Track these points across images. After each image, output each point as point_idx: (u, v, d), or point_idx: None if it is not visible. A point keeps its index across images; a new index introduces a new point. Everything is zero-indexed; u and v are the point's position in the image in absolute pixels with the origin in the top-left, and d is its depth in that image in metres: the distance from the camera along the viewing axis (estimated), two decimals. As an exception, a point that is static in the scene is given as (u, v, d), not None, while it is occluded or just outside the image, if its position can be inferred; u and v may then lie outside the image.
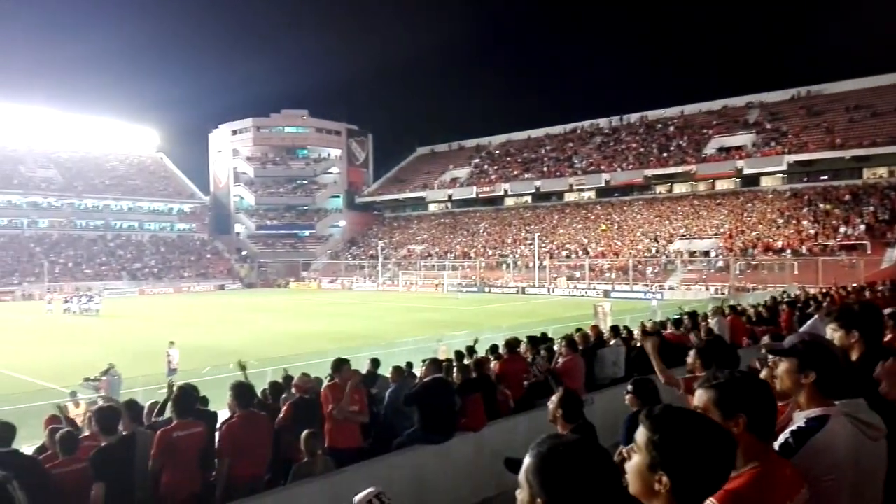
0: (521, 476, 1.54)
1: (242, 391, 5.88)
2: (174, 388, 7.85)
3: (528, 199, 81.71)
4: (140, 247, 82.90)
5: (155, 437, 5.23)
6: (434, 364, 8.08)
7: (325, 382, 7.86)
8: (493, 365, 9.15)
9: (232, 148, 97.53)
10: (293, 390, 7.81)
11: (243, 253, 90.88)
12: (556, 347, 9.90)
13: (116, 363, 17.79)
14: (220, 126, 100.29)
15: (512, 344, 9.46)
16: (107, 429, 4.99)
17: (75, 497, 4.68)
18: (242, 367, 7.94)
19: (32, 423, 8.35)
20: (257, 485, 5.66)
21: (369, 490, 2.01)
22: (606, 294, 51.43)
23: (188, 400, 5.62)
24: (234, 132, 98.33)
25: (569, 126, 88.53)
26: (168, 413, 6.21)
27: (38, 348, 29.19)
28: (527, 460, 1.54)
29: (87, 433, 6.53)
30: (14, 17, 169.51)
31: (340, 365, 6.86)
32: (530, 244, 65.18)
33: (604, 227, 67.76)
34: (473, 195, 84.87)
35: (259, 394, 7.48)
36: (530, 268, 62.75)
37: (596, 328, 12.51)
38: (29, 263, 70.07)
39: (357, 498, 1.97)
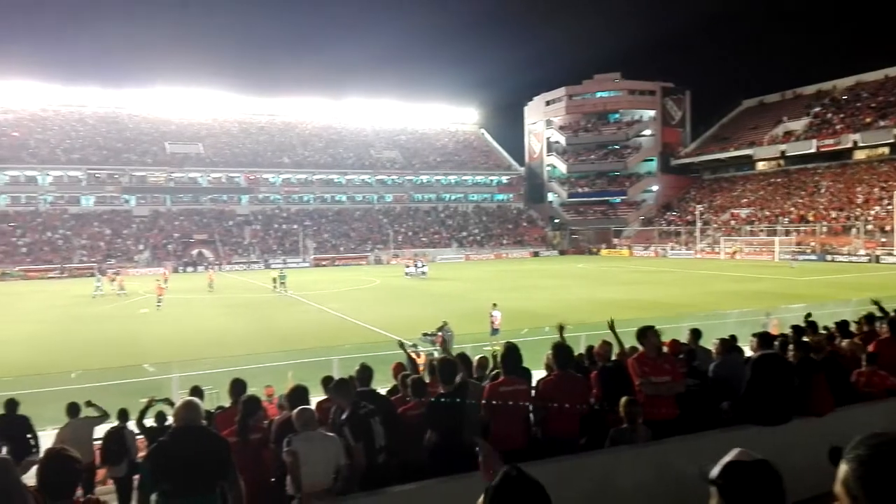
0: (838, 487, 1.28)
1: (562, 351, 6.00)
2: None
3: (886, 150, 68.49)
4: (465, 217, 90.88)
5: (485, 388, 5.62)
6: (764, 339, 7.25)
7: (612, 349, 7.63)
8: (846, 343, 7.89)
9: (545, 119, 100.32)
10: (595, 358, 7.76)
11: (556, 221, 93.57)
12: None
13: (448, 321, 19.68)
14: (534, 98, 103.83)
15: None
16: (446, 378, 5.54)
17: (423, 435, 5.30)
18: (561, 329, 8.11)
19: (382, 370, 9.69)
20: (572, 444, 5.74)
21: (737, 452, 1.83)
22: None
23: (514, 358, 5.90)
24: (548, 103, 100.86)
25: (945, 57, 71.64)
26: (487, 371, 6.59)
27: (385, 306, 33.96)
28: (843, 466, 1.26)
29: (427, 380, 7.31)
30: (368, 28, 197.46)
31: (645, 332, 6.53)
32: (888, 204, 54.86)
33: None
34: (812, 149, 74.25)
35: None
36: (888, 232, 52.91)
37: None
38: (378, 233, 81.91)
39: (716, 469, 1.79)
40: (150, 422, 8.48)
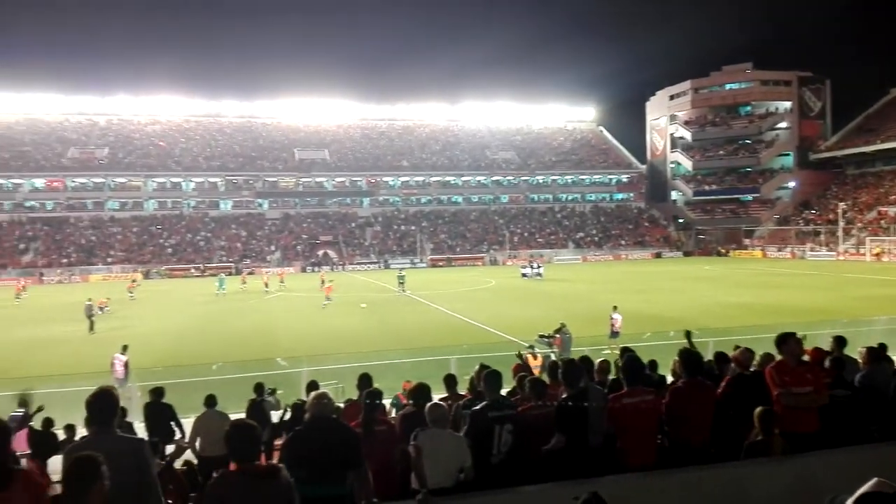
0: None
1: (690, 358, 5.76)
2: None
3: None
4: (583, 217, 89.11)
5: (608, 399, 5.47)
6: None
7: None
8: None
9: (669, 114, 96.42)
10: (732, 364, 7.34)
11: (680, 220, 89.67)
12: None
13: (565, 323, 19.39)
14: (657, 93, 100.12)
15: None
16: (570, 381, 5.47)
17: (541, 436, 5.27)
18: (688, 335, 7.81)
19: (501, 370, 9.71)
20: (702, 454, 5.50)
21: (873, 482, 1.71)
22: None
23: (635, 367, 5.70)
24: (672, 97, 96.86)
25: None
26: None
27: (501, 307, 33.97)
28: None
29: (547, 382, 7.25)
30: (484, 32, 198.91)
31: (786, 339, 6.09)
32: None
33: None
34: (976, 139, 66.50)
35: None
36: None
37: None
38: (494, 234, 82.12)
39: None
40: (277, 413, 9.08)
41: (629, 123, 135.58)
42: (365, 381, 6.88)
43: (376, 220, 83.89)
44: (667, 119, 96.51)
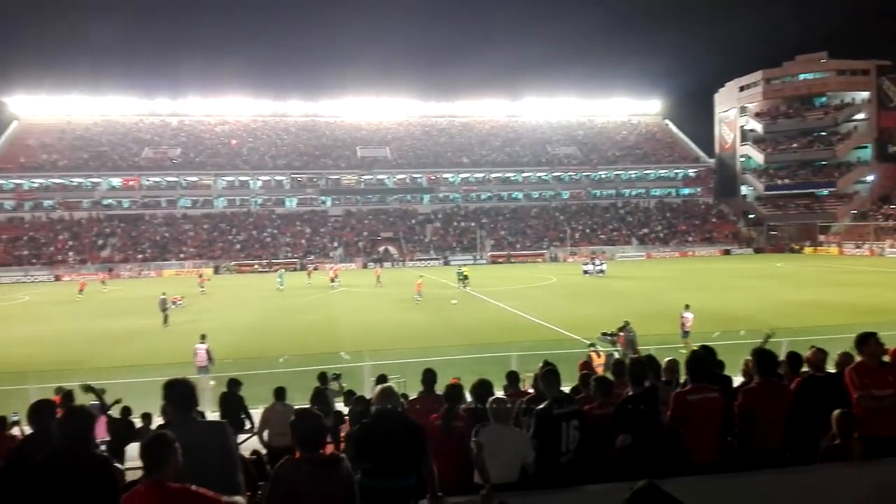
0: None
1: (765, 358, 5.57)
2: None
3: None
4: (647, 213, 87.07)
5: (671, 397, 5.38)
6: None
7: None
8: None
9: (739, 106, 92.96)
10: (805, 365, 7.02)
11: (750, 216, 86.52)
12: None
13: (629, 321, 19.00)
14: (726, 84, 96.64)
15: None
16: (636, 380, 5.37)
17: (606, 435, 5.19)
18: (768, 338, 7.54)
19: (562, 367, 9.61)
20: (775, 457, 5.32)
21: None
22: None
23: (701, 364, 5.57)
24: (742, 88, 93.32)
25: None
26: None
27: (562, 304, 33.59)
28: None
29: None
30: (546, 26, 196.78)
31: (865, 339, 5.79)
32: None
33: None
34: None
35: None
36: None
37: None
38: (555, 230, 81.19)
39: None
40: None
41: (696, 116, 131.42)
42: (429, 376, 6.92)
43: (436, 216, 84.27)
44: (737, 111, 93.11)
